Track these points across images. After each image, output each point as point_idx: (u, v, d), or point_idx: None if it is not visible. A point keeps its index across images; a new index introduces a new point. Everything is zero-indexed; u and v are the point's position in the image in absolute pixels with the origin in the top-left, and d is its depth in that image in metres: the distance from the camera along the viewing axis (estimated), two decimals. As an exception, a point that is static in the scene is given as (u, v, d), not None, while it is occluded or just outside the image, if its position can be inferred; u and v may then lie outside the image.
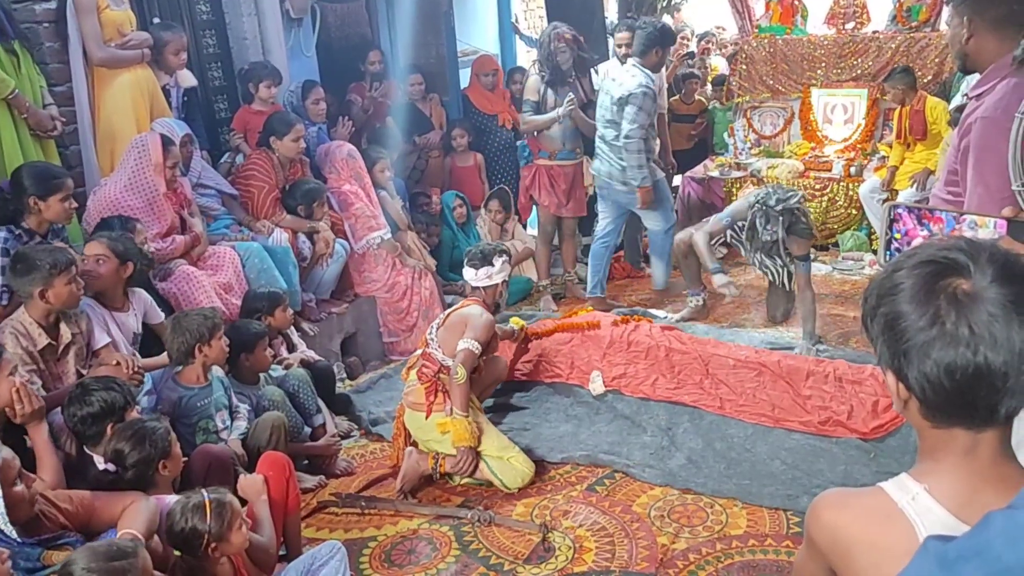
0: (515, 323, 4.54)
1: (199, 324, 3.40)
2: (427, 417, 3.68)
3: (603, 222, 5.70)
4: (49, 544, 2.33)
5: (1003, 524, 0.94)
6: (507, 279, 4.02)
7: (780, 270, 4.91)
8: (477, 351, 3.70)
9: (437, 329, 3.85)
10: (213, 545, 2.41)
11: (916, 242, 1.78)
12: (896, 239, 1.83)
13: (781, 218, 4.70)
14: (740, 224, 4.92)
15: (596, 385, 4.22)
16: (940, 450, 1.16)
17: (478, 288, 3.95)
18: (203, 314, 3.49)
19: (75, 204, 3.65)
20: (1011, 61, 2.29)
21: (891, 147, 6.51)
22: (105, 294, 3.55)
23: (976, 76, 2.56)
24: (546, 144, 5.64)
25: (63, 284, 3.15)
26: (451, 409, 3.63)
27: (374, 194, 5.30)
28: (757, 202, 4.78)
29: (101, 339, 3.43)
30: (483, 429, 3.69)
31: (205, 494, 2.47)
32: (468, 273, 3.96)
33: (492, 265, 3.90)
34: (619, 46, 5.85)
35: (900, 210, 1.83)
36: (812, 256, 5.08)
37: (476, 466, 3.63)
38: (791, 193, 4.81)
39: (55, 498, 2.48)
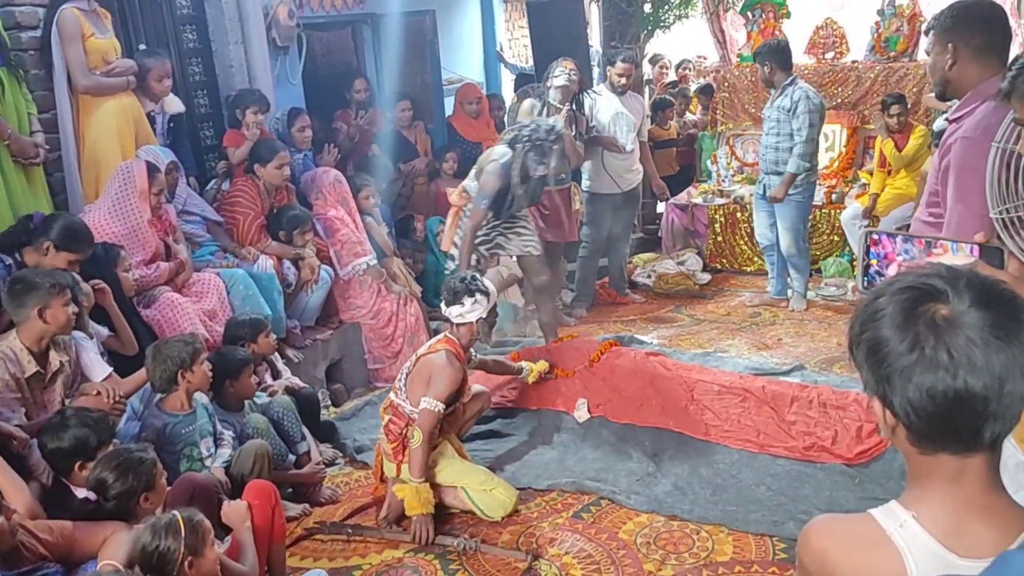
0: (538, 367, 4.33)
1: (180, 350, 3.37)
2: (397, 474, 3.59)
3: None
4: (28, 576, 2.30)
5: (1021, 564, 0.94)
6: (485, 316, 3.75)
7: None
8: (437, 411, 3.50)
9: (406, 376, 3.68)
10: (190, 560, 2.36)
11: (893, 267, 1.79)
12: (873, 264, 1.85)
13: (556, 147, 4.63)
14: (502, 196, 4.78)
15: (581, 412, 4.21)
16: (928, 477, 1.16)
17: (453, 325, 3.75)
18: (183, 340, 3.45)
19: (76, 270, 3.57)
20: (995, 90, 2.33)
21: (872, 174, 6.59)
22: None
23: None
24: None
25: (61, 305, 3.12)
26: None
27: (360, 220, 5.31)
28: (525, 140, 4.63)
29: (103, 370, 3.41)
30: (461, 467, 3.64)
31: (176, 513, 2.42)
32: (443, 307, 3.78)
33: (462, 304, 3.68)
34: (620, 76, 5.88)
35: (876, 235, 1.86)
36: None
37: (431, 537, 3.41)
38: (541, 122, 4.80)
39: (35, 528, 2.44)
